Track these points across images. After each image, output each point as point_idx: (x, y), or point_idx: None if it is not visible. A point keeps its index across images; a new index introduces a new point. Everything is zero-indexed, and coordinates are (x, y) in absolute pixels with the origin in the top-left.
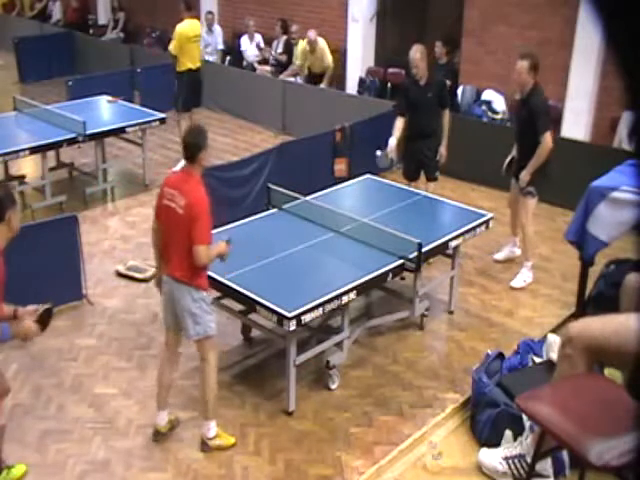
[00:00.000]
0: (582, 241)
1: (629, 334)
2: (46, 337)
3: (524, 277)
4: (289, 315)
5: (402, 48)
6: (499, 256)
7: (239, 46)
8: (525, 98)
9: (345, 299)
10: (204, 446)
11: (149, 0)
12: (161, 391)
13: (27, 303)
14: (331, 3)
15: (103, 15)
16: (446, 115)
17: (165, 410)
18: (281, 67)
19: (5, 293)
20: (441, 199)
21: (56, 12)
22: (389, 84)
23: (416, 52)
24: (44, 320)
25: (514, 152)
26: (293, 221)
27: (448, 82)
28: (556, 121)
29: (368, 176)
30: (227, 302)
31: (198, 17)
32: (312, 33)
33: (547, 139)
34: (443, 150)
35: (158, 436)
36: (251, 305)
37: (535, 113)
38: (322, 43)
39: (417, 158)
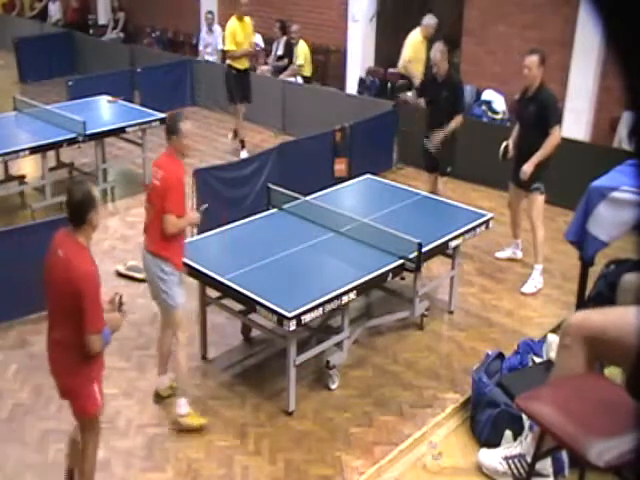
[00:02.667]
0: (582, 241)
1: (629, 327)
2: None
3: (535, 283)
4: (289, 315)
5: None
6: (501, 254)
7: None
8: (533, 94)
9: (345, 299)
10: (174, 425)
11: (149, 0)
12: (161, 358)
13: (27, 303)
14: (331, 3)
15: (103, 15)
16: (457, 119)
17: (165, 375)
18: (281, 67)
19: None
20: (441, 199)
21: (56, 12)
22: (389, 84)
23: (437, 52)
24: (121, 308)
25: (510, 140)
26: (293, 221)
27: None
28: None
29: (368, 176)
30: (227, 302)
31: (239, 15)
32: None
33: (556, 132)
34: (440, 134)
35: (158, 399)
36: (251, 305)
37: (546, 107)
38: None
39: (430, 151)
